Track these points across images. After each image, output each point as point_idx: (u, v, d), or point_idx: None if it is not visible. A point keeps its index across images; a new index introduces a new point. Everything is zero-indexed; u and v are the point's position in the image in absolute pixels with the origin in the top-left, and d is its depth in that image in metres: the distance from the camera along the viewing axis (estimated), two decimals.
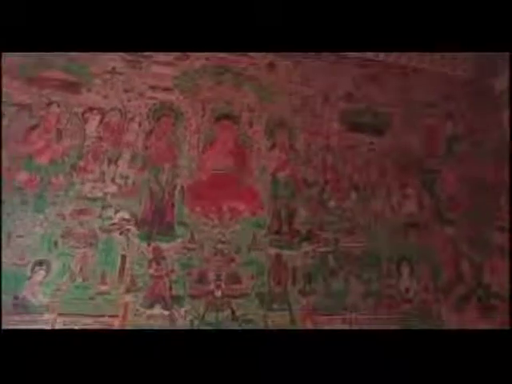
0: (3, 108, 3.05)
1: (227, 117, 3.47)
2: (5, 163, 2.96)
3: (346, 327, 3.09)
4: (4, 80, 3.09)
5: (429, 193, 3.72)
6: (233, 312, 2.98)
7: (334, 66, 3.78)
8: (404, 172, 3.72)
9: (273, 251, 3.21)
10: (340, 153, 3.61)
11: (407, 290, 3.36)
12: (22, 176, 2.98)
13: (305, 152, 3.54)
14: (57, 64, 3.24)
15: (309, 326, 3.06)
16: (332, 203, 3.46)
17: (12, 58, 3.13)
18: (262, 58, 3.64)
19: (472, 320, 3.36)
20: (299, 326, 3.04)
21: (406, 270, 3.41)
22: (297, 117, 3.61)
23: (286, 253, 3.23)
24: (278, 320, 3.04)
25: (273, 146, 3.50)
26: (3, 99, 3.06)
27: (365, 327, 3.06)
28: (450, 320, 3.33)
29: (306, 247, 3.28)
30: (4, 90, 3.08)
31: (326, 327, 3.05)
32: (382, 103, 3.84)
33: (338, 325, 3.10)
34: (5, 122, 3.04)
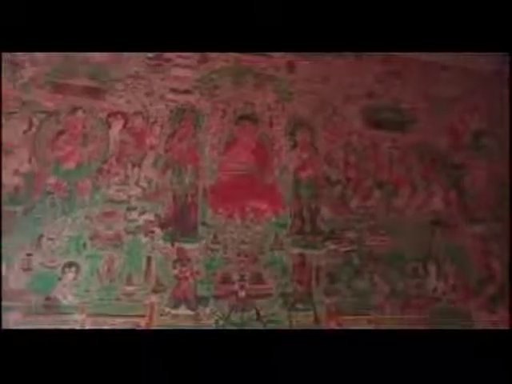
0: (31, 116, 3.16)
1: (248, 117, 3.47)
2: (34, 168, 3.08)
3: (371, 327, 3.05)
4: (31, 88, 3.21)
5: (455, 189, 3.62)
6: (257, 312, 2.99)
7: (354, 63, 3.72)
8: (429, 168, 3.63)
9: (296, 251, 3.19)
10: (362, 151, 3.56)
11: (435, 290, 3.28)
12: (51, 180, 3.08)
13: (326, 151, 3.50)
14: (81, 71, 3.33)
15: (333, 326, 3.03)
16: (355, 202, 3.41)
17: (38, 67, 3.25)
18: (281, 58, 3.63)
19: (503, 320, 3.25)
20: (323, 326, 3.02)
21: (432, 269, 3.33)
22: (317, 116, 3.57)
23: (309, 252, 3.20)
24: (302, 320, 3.03)
25: (294, 146, 3.47)
26: (32, 107, 3.18)
27: (390, 327, 3.00)
28: (480, 320, 3.23)
29: (330, 246, 3.25)
30: (31, 98, 3.20)
31: (351, 327, 3.02)
32: (405, 99, 3.75)
33: (363, 325, 3.06)
34: (33, 128, 3.15)
